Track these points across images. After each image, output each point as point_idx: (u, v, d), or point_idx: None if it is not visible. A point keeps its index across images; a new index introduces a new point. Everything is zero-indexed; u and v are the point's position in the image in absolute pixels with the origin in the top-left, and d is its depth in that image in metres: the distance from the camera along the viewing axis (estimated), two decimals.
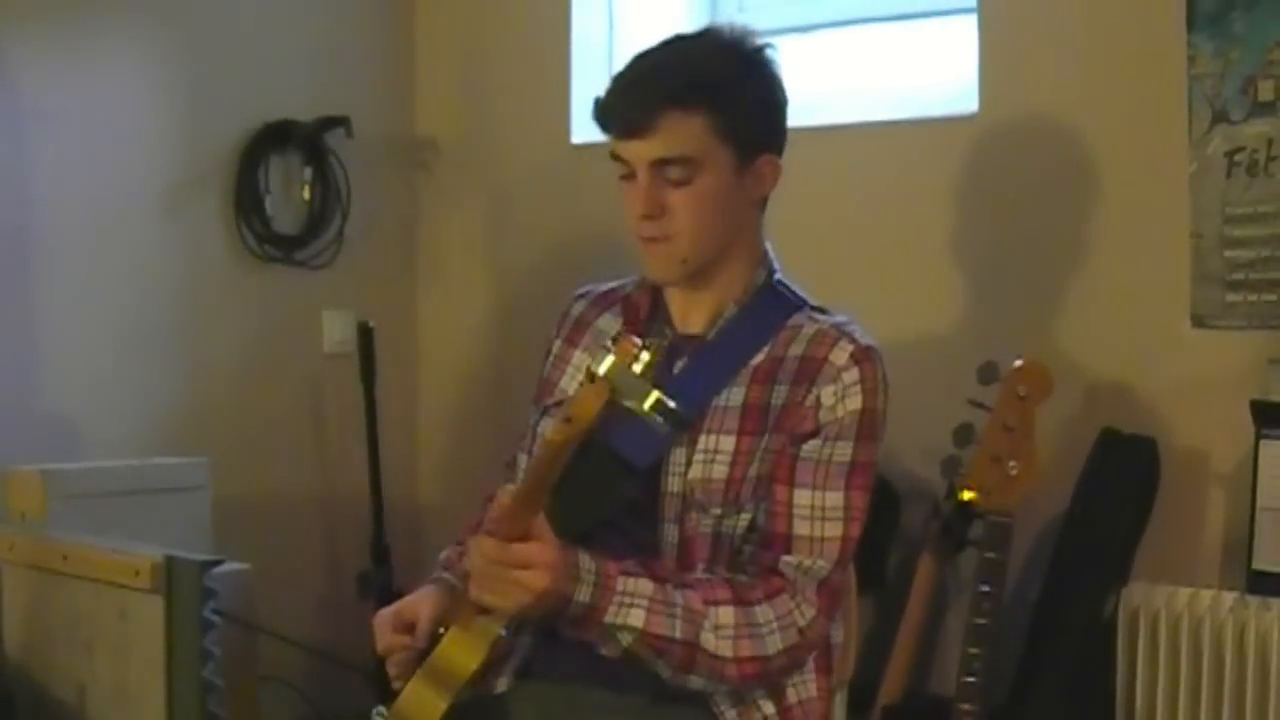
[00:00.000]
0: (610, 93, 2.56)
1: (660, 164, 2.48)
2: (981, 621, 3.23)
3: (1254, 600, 3.34)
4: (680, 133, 2.47)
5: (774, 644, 2.42)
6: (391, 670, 2.48)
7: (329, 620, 4.45)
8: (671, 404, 2.20)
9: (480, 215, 4.68)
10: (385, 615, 2.52)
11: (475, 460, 4.42)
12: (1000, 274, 3.75)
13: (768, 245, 2.65)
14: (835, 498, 2.48)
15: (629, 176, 2.52)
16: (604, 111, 2.56)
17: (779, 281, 2.64)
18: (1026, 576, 3.61)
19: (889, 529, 3.70)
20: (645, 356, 2.20)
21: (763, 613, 2.42)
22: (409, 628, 2.48)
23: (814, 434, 2.47)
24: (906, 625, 3.50)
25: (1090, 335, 3.62)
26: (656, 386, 2.20)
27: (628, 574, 2.36)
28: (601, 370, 2.19)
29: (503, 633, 2.35)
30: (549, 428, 2.38)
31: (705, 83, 2.49)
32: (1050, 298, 3.67)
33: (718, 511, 2.47)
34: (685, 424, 2.33)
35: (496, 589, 2.28)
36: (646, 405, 2.20)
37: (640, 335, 2.60)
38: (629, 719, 2.46)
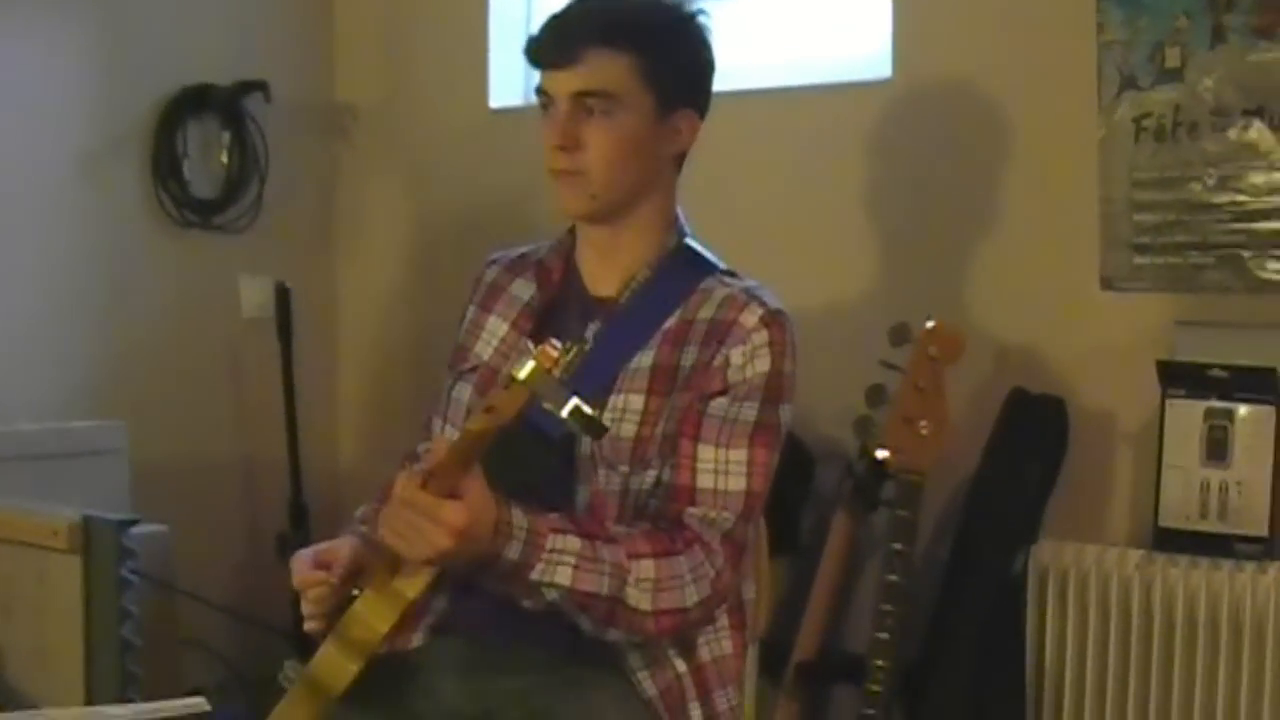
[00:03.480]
0: (542, 28, 2.59)
1: (580, 96, 2.51)
2: (894, 579, 3.29)
3: (1160, 557, 3.40)
4: (604, 68, 2.50)
5: (691, 596, 2.43)
6: (307, 609, 2.47)
7: (248, 583, 4.46)
8: (589, 411, 2.21)
9: (399, 180, 4.69)
10: (304, 554, 2.52)
11: (395, 423, 4.44)
12: (913, 237, 3.80)
13: (679, 209, 2.68)
14: (739, 454, 2.50)
15: (549, 108, 2.56)
16: (533, 44, 2.59)
17: (690, 245, 2.66)
18: (938, 535, 3.66)
19: (803, 490, 3.74)
20: (565, 361, 2.21)
21: (680, 564, 2.44)
22: (326, 568, 2.48)
23: (722, 393, 2.50)
24: (820, 583, 3.55)
25: (1001, 297, 3.67)
26: (576, 393, 2.22)
27: (557, 531, 2.37)
28: (522, 375, 2.20)
29: (414, 598, 2.36)
30: (471, 416, 2.38)
31: (636, 26, 2.54)
32: (962, 261, 3.72)
33: (625, 469, 2.50)
34: (603, 430, 2.34)
35: (403, 533, 2.28)
36: (565, 412, 2.22)
37: (555, 302, 2.65)
38: (543, 676, 2.47)
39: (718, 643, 2.58)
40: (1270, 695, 3.30)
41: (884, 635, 3.30)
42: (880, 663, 3.30)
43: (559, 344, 2.21)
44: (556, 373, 2.19)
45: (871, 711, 3.30)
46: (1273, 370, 3.32)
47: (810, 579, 3.58)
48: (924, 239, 3.78)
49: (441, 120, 4.59)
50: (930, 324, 3.31)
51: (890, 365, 3.34)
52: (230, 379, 4.52)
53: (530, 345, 2.24)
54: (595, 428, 2.24)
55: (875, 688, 3.30)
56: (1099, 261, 3.56)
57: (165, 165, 4.35)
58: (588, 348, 2.34)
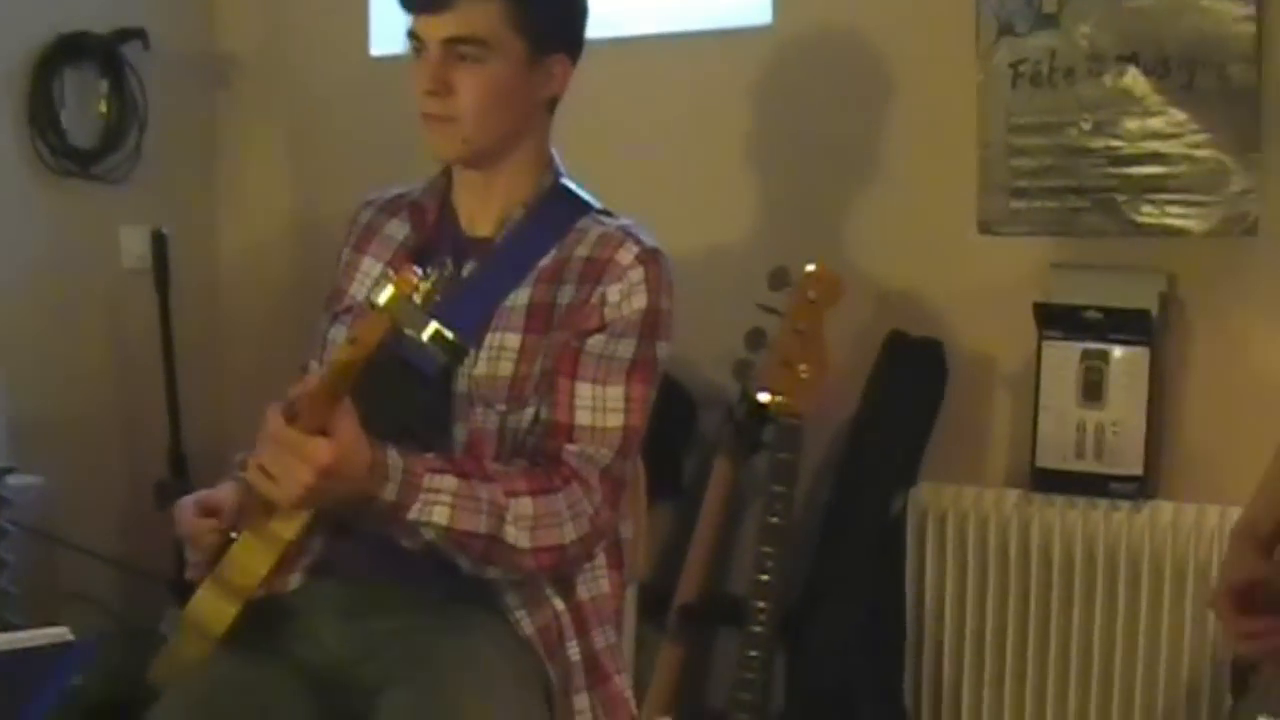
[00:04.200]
0: None
1: (451, 42, 2.51)
2: (775, 521, 3.30)
3: (1038, 497, 3.46)
4: (476, 14, 2.49)
5: (569, 533, 2.44)
6: (192, 556, 2.46)
7: (131, 534, 4.42)
8: (449, 335, 2.21)
9: (280, 128, 4.65)
10: (187, 502, 2.51)
11: (277, 370, 4.37)
12: (793, 182, 3.81)
13: (554, 151, 2.69)
14: (616, 391, 2.51)
15: (421, 52, 2.55)
16: None
17: (565, 185, 2.67)
18: (819, 477, 3.69)
19: (685, 434, 3.76)
20: (425, 287, 2.21)
21: (558, 501, 2.44)
22: (211, 515, 2.47)
23: (599, 330, 2.50)
24: (702, 526, 3.57)
25: (880, 241, 3.70)
26: (435, 317, 2.21)
27: (433, 470, 2.37)
28: (381, 300, 2.19)
29: (292, 539, 2.35)
30: (337, 347, 2.38)
31: None
32: (841, 205, 3.74)
33: (503, 408, 2.50)
34: (464, 354, 2.34)
35: (271, 471, 2.27)
36: (425, 336, 2.21)
37: (430, 242, 2.64)
38: (421, 616, 2.47)
39: (595, 581, 2.60)
40: (1145, 631, 3.37)
41: (765, 577, 3.31)
42: (762, 604, 3.31)
43: (419, 270, 2.21)
44: (417, 298, 2.18)
45: (754, 653, 3.32)
46: (1147, 312, 3.37)
47: (692, 523, 3.60)
48: (804, 183, 3.79)
49: (322, 68, 4.55)
50: (810, 268, 3.32)
51: (770, 309, 3.35)
52: (110, 329, 4.48)
53: (391, 273, 2.24)
54: (456, 351, 2.24)
55: (757, 629, 3.31)
56: (977, 206, 3.59)
57: (42, 114, 4.29)
58: (448, 273, 2.34)
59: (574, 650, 2.53)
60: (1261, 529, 2.53)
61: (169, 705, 2.38)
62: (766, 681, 3.36)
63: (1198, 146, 3.37)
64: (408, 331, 2.19)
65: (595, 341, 2.51)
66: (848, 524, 3.56)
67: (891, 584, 3.55)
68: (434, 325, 2.19)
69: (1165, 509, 3.36)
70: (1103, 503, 3.39)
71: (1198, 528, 3.32)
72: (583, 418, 2.50)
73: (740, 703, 3.33)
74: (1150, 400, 3.38)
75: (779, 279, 3.36)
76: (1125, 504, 3.38)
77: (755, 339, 3.39)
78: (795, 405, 3.30)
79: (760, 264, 3.41)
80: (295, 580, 2.54)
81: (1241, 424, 3.25)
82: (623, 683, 2.62)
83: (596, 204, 2.66)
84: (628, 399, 2.52)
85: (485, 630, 2.46)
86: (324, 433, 2.24)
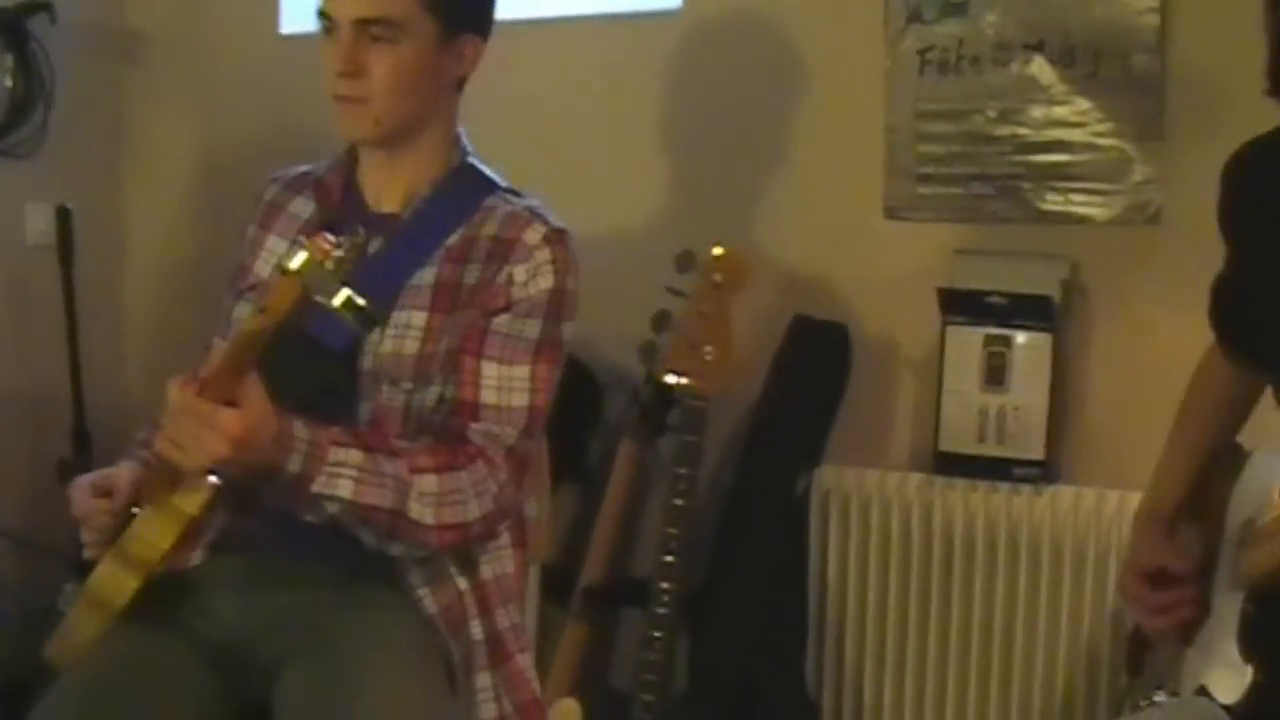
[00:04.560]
0: None
1: (364, 23, 2.51)
2: (679, 503, 3.31)
3: (940, 480, 3.48)
4: None
5: (473, 510, 2.45)
6: (88, 536, 2.45)
7: (32, 511, 4.38)
8: (361, 302, 2.20)
9: (188, 105, 4.62)
10: (83, 481, 2.49)
11: (182, 349, 4.37)
12: (700, 165, 3.81)
13: (461, 129, 2.69)
14: (522, 370, 2.52)
15: (332, 33, 2.54)
16: None
17: (472, 164, 2.67)
18: (724, 460, 3.70)
19: (590, 416, 3.76)
20: (337, 254, 2.20)
21: (462, 479, 2.45)
22: (106, 494, 2.45)
23: (505, 310, 2.52)
24: (607, 508, 3.57)
25: (787, 225, 3.71)
26: (347, 284, 2.21)
27: (338, 444, 2.37)
28: (293, 266, 2.18)
29: (195, 513, 2.34)
30: (246, 317, 2.37)
31: None
32: (749, 189, 3.75)
33: (408, 386, 2.50)
34: (374, 322, 2.34)
35: (179, 441, 2.26)
36: (337, 303, 2.20)
37: (335, 220, 2.63)
38: (324, 593, 2.47)
39: (499, 561, 2.61)
40: (1045, 614, 3.41)
41: (669, 559, 3.33)
42: (666, 586, 3.33)
43: (332, 237, 2.20)
44: (329, 265, 2.18)
45: (657, 634, 3.33)
46: (1049, 298, 3.40)
47: (597, 504, 3.60)
48: (712, 167, 3.80)
49: (231, 45, 4.52)
50: (717, 251, 3.33)
51: (676, 291, 3.36)
52: (13, 305, 4.43)
53: (303, 239, 2.23)
54: (367, 319, 2.23)
55: (661, 610, 3.33)
56: (883, 191, 3.61)
57: None
58: (360, 241, 2.34)
59: (477, 629, 2.54)
60: (1163, 511, 2.56)
61: (66, 683, 2.37)
62: (670, 662, 3.38)
63: (1102, 135, 3.40)
64: (319, 298, 2.19)
65: (501, 321, 2.52)
66: (751, 506, 3.57)
67: (794, 566, 3.57)
68: (345, 292, 2.19)
69: (1066, 493, 3.39)
70: (1005, 486, 3.41)
71: (1098, 512, 3.35)
72: (488, 396, 2.51)
73: (644, 683, 3.34)
74: (1052, 386, 3.40)
75: (685, 262, 3.37)
76: (1027, 488, 3.40)
77: (661, 321, 3.39)
78: (700, 387, 3.32)
79: (667, 246, 3.41)
80: (197, 556, 2.53)
81: (1142, 410, 3.27)
82: (525, 662, 2.63)
83: (503, 183, 2.67)
84: (533, 378, 2.54)
85: (388, 607, 2.47)
86: (231, 404, 2.23)
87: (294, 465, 2.32)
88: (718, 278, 3.32)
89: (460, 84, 2.66)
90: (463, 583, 2.55)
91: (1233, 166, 2.36)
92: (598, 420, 3.78)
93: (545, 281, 2.53)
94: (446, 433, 2.51)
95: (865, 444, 3.62)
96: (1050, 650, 3.41)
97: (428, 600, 2.50)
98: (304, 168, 2.76)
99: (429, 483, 2.42)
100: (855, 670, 3.59)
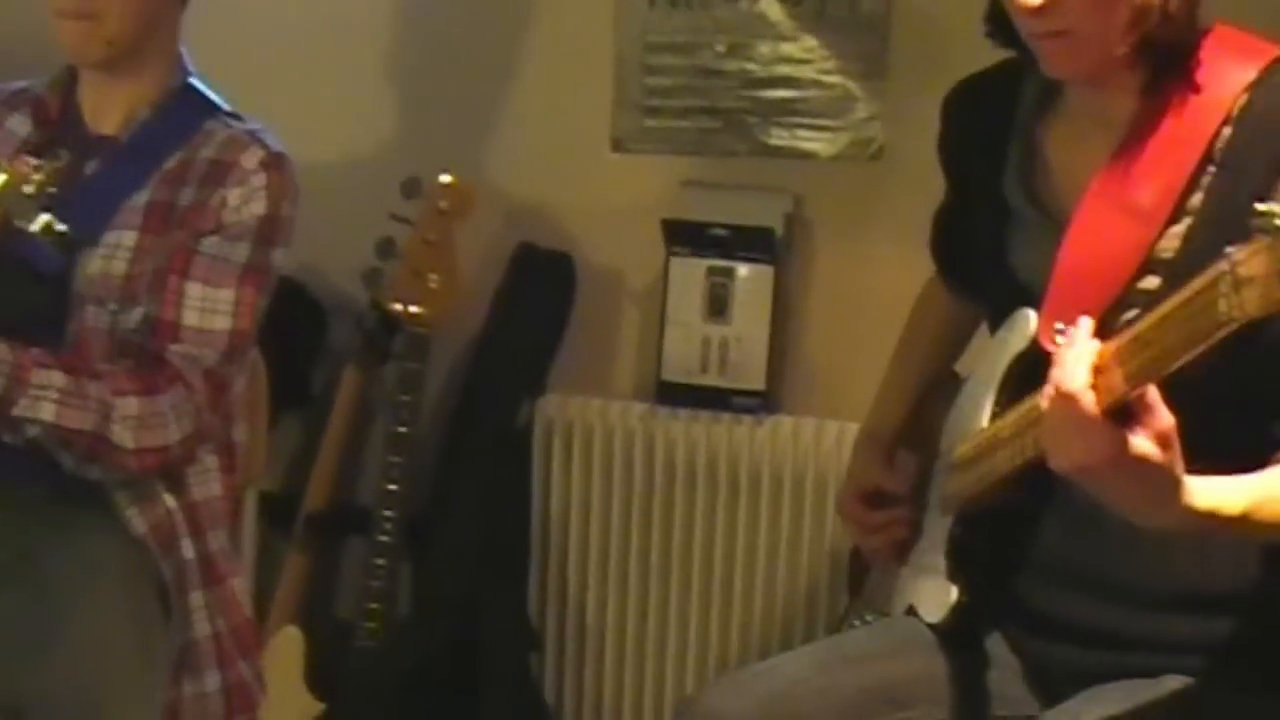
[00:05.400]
0: None
1: None
2: (402, 430, 3.32)
3: (663, 410, 3.50)
4: None
5: (173, 434, 2.42)
6: None
7: None
8: (61, 227, 2.17)
9: None
10: None
11: None
12: (428, 92, 3.76)
13: (182, 49, 2.64)
14: (227, 294, 2.49)
15: None
16: None
17: (194, 86, 2.62)
18: (449, 389, 3.68)
19: (314, 342, 3.71)
20: (37, 178, 2.16)
21: (162, 402, 2.42)
22: None
23: (214, 232, 2.48)
24: (330, 435, 3.55)
25: (515, 154, 3.68)
26: (49, 209, 2.17)
27: (41, 365, 2.32)
28: None
29: None
30: None
31: None
32: (477, 116, 3.71)
33: (114, 307, 2.46)
34: (73, 247, 2.30)
35: None
36: (35, 228, 2.16)
37: (53, 139, 2.57)
38: (29, 517, 2.43)
39: (206, 483, 2.57)
40: (765, 542, 3.46)
41: (392, 487, 3.34)
42: (388, 514, 3.34)
43: (33, 160, 2.16)
44: (28, 189, 2.14)
45: (380, 562, 3.35)
46: (772, 231, 3.43)
47: (321, 432, 3.58)
48: (440, 93, 3.75)
49: None
50: (445, 178, 3.32)
51: (402, 218, 3.34)
52: None
53: (3, 163, 2.18)
54: (67, 244, 2.20)
55: (384, 539, 3.34)
56: (611, 122, 3.61)
57: None
58: (62, 164, 2.29)
59: (188, 548, 2.50)
60: (882, 435, 2.61)
61: None
62: (393, 590, 3.39)
63: (828, 73, 3.44)
64: (17, 223, 2.14)
65: (209, 243, 2.48)
66: (473, 434, 3.56)
67: (517, 494, 3.57)
68: (45, 217, 2.15)
69: (786, 424, 3.44)
70: (726, 417, 3.45)
71: (817, 442, 3.40)
72: (190, 318, 2.47)
73: (367, 612, 3.36)
74: (773, 318, 3.44)
75: (412, 188, 3.35)
76: (748, 418, 3.44)
77: (386, 248, 3.38)
78: (424, 315, 3.32)
79: (394, 173, 3.39)
80: None
81: (861, 343, 3.31)
82: (238, 586, 2.61)
83: (225, 106, 2.63)
84: (237, 302, 2.50)
85: (95, 529, 2.43)
86: None
87: None
88: (444, 205, 3.31)
89: (184, 2, 2.61)
90: (171, 501, 2.51)
91: (951, 100, 2.40)
92: (322, 347, 3.73)
93: (258, 207, 2.50)
94: (146, 354, 2.46)
95: (589, 374, 3.63)
96: (770, 577, 3.46)
97: (136, 520, 2.46)
98: (21, 84, 2.69)
99: (130, 406, 2.38)
100: (578, 595, 3.61)
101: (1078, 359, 1.79)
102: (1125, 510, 1.84)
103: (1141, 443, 1.74)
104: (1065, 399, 1.78)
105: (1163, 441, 1.75)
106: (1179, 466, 1.78)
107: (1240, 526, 1.87)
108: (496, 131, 3.70)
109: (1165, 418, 1.75)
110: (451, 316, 3.38)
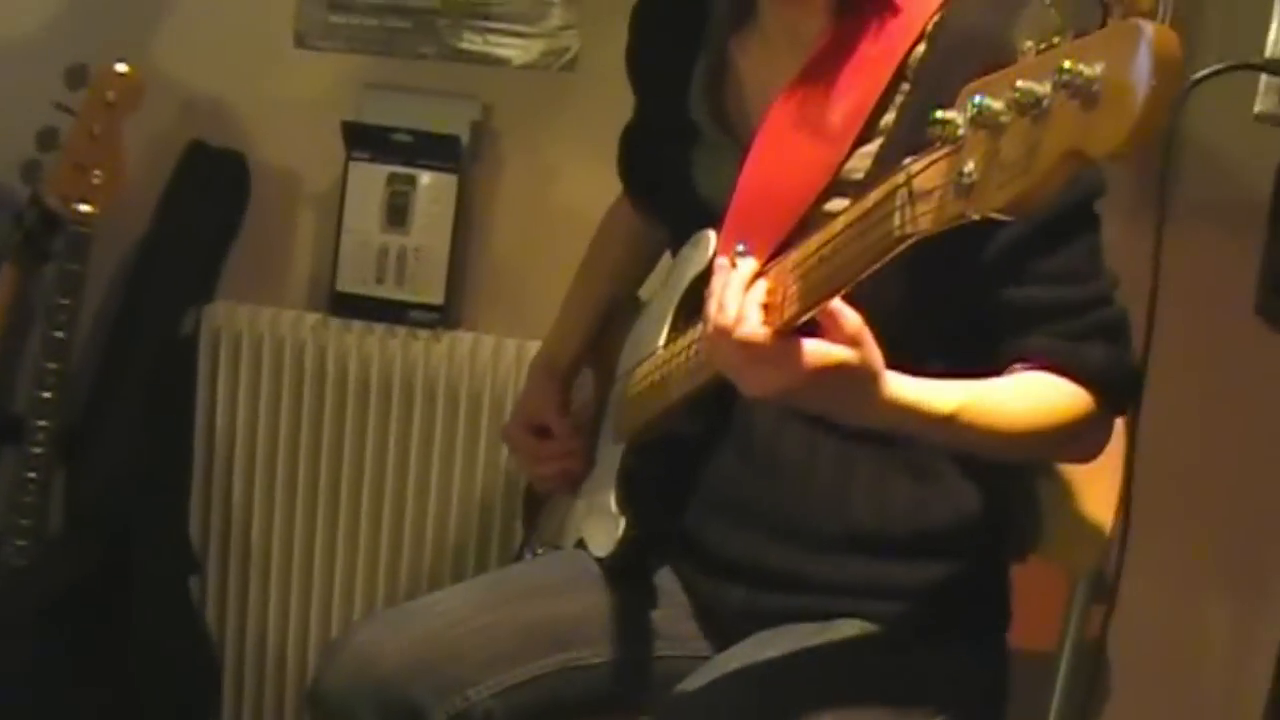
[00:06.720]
0: None
1: None
2: (58, 335, 3.18)
3: (336, 322, 3.40)
4: None
5: None
6: None
7: None
8: None
9: None
10: None
11: None
12: None
13: None
14: None
15: None
16: None
17: None
18: (113, 292, 3.52)
19: None
20: None
21: None
22: None
23: None
24: None
25: (191, 45, 3.51)
26: None
27: None
28: None
29: None
30: None
31: None
32: (151, 3, 3.54)
33: None
34: None
35: None
36: None
37: None
38: None
39: None
40: (440, 459, 3.38)
41: (46, 394, 3.19)
42: (42, 423, 3.19)
43: None
44: None
45: (32, 474, 3.20)
46: (457, 139, 3.33)
47: None
48: None
49: None
50: (120, 68, 3.17)
51: (64, 108, 3.18)
52: None
53: None
54: None
55: (36, 450, 3.20)
56: (294, 17, 3.46)
57: None
58: None
59: None
60: (559, 363, 2.55)
61: None
62: (45, 504, 3.24)
63: None
64: None
65: None
66: (135, 341, 3.42)
67: (180, 406, 3.44)
68: None
69: (465, 339, 3.35)
70: (402, 330, 3.36)
71: (496, 359, 3.32)
72: None
73: (16, 527, 3.21)
74: (455, 230, 3.34)
75: (77, 77, 3.19)
76: (425, 332, 3.35)
77: (47, 139, 3.21)
78: (86, 213, 3.16)
79: (59, 60, 3.22)
80: None
81: (546, 259, 3.26)
82: None
83: None
84: None
85: None
86: None
87: None
88: (110, 96, 3.16)
89: None
90: None
91: (639, 10, 2.34)
92: None
93: None
94: None
95: (260, 281, 3.49)
96: (443, 496, 3.39)
97: None
98: None
99: None
100: (243, 516, 3.49)
101: (731, 291, 1.71)
102: (830, 413, 1.78)
103: (832, 349, 1.67)
104: (720, 334, 1.71)
105: (853, 341, 1.68)
106: (876, 359, 1.71)
107: (951, 428, 1.81)
108: (173, 20, 3.52)
109: (851, 318, 1.68)
110: (115, 216, 3.22)
